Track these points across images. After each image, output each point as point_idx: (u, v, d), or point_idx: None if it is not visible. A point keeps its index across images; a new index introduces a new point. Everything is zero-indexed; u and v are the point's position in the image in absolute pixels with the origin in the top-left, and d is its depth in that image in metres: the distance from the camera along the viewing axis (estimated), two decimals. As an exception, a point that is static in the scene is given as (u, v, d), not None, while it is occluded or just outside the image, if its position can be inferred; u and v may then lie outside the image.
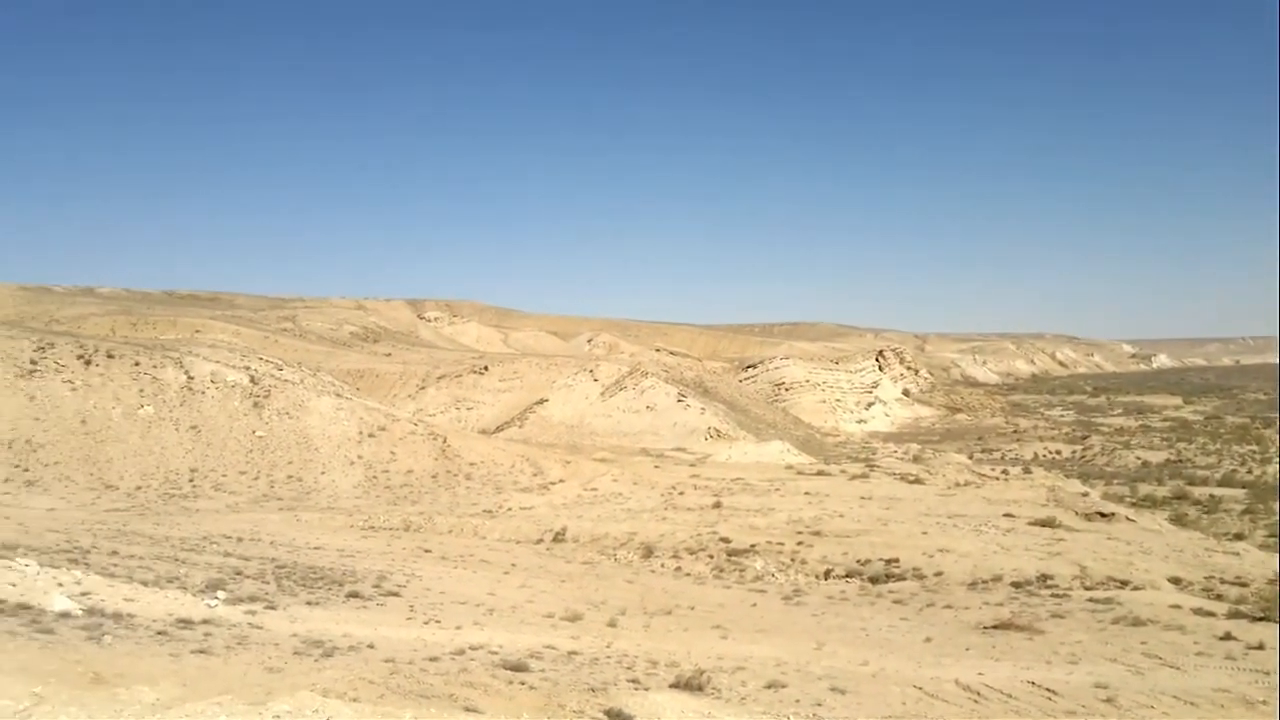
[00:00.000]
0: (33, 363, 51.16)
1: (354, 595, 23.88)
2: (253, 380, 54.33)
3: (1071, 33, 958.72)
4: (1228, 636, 21.63)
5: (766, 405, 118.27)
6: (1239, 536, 45.08)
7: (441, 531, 37.93)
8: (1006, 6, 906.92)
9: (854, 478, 51.74)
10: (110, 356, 53.42)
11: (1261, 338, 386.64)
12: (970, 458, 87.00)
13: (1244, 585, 29.02)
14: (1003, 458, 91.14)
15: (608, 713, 13.37)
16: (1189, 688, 17.52)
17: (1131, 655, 20.26)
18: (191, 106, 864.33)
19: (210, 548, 29.63)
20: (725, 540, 34.89)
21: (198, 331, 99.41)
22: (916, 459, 79.95)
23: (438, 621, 21.81)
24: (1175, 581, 29.60)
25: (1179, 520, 50.50)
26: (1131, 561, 31.36)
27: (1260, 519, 53.50)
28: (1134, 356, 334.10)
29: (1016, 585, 28.99)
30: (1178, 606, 25.08)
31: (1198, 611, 24.41)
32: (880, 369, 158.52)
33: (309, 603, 22.33)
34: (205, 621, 18.27)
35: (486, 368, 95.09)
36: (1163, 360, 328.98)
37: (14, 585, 17.67)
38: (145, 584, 21.13)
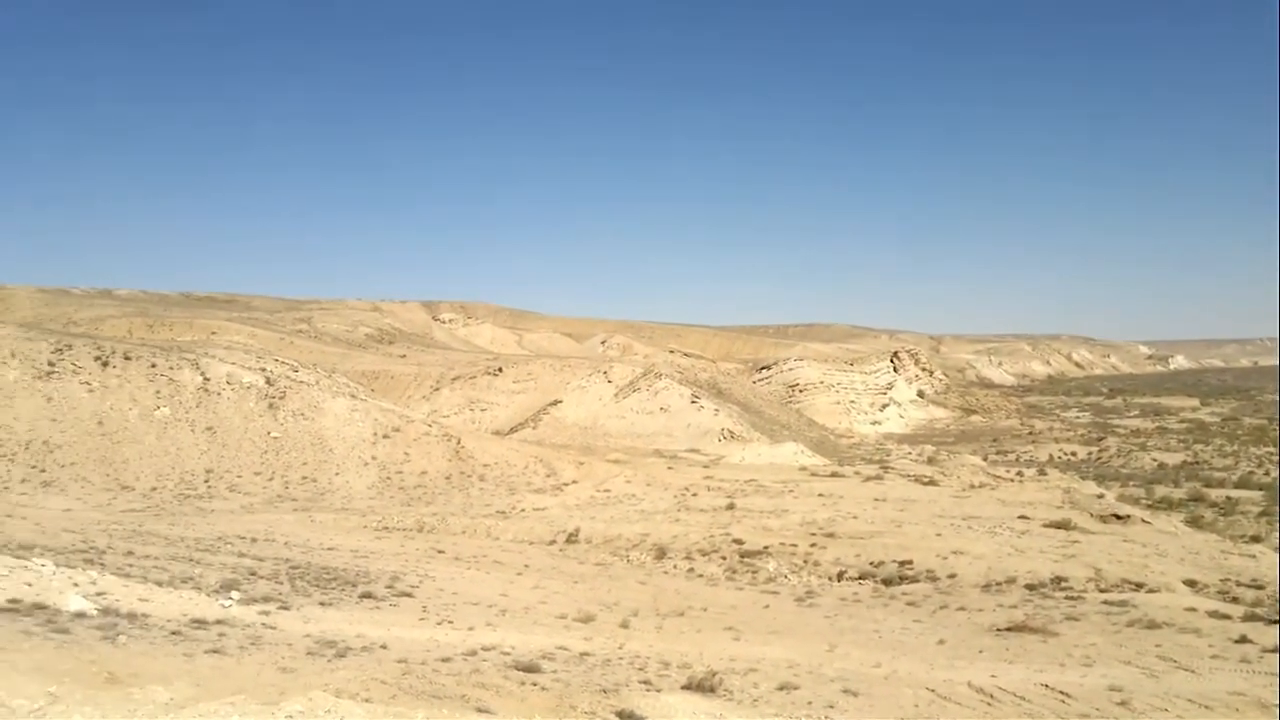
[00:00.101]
0: (50, 364, 51.51)
1: (367, 596, 23.96)
2: (268, 382, 54.57)
3: (1089, 32, 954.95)
4: (1243, 639, 21.49)
5: (780, 407, 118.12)
6: (1255, 539, 44.78)
7: (455, 532, 38.02)
8: (1017, 7, 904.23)
9: (868, 479, 51.59)
10: (127, 358, 53.75)
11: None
12: (985, 459, 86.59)
13: (1260, 588, 28.81)
14: (1018, 459, 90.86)
15: (620, 714, 13.38)
16: (1204, 691, 17.42)
17: (1146, 658, 20.16)
18: (207, 109, 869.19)
19: (225, 548, 29.78)
20: (738, 542, 34.85)
21: (214, 333, 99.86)
22: (931, 461, 79.66)
23: (450, 622, 21.86)
24: (1191, 584, 29.40)
25: (1195, 522, 50.20)
26: (1147, 564, 31.19)
27: (1277, 521, 53.14)
28: (1150, 358, 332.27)
29: (1031, 587, 28.87)
30: (1193, 609, 24.93)
31: (1213, 614, 24.26)
32: (895, 370, 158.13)
33: (322, 603, 22.41)
34: (219, 622, 18.35)
35: (500, 369, 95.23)
36: (1180, 361, 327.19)
37: (30, 585, 17.79)
38: (160, 584, 21.25)
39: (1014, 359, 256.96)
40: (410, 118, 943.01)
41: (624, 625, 23.20)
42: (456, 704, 13.14)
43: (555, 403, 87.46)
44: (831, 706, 15.87)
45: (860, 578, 31.36)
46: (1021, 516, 39.98)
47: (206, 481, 45.60)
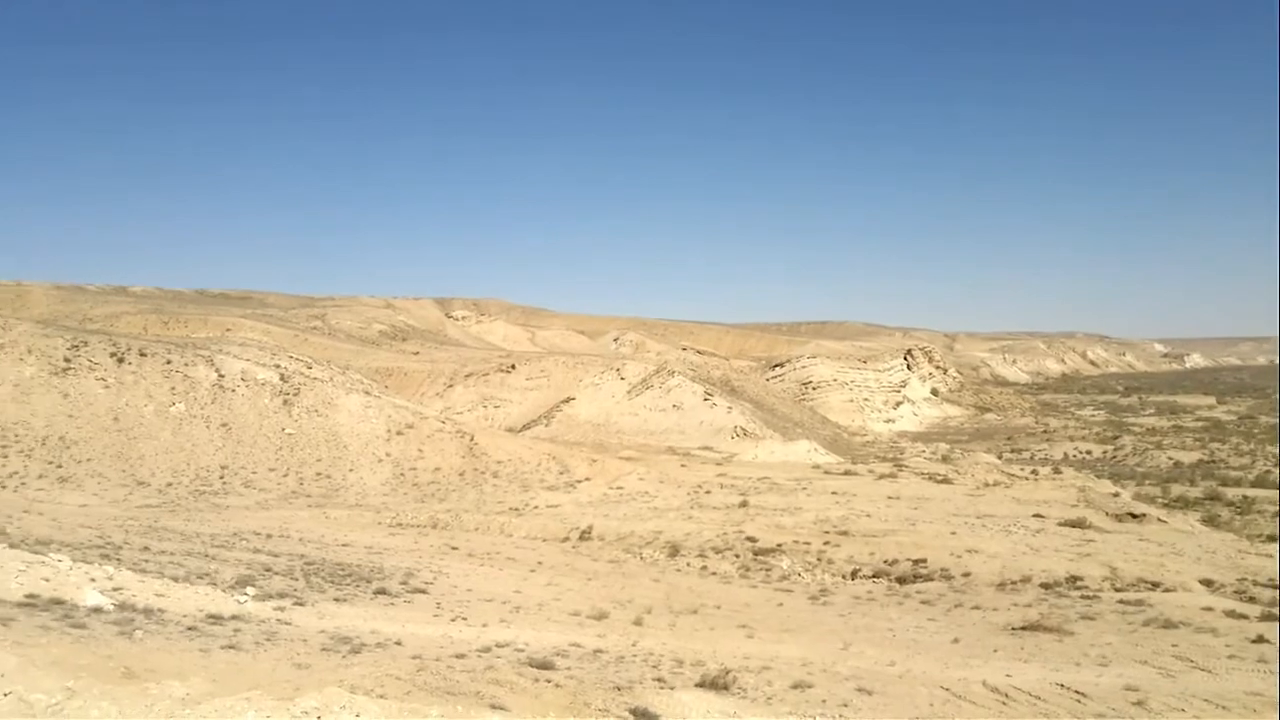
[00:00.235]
0: (67, 361, 51.80)
1: (381, 592, 24.02)
2: (282, 378, 54.75)
3: (1107, 33, 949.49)
4: (1260, 639, 21.32)
5: (793, 404, 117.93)
6: (1272, 538, 44.44)
7: (468, 529, 38.09)
8: (1033, 8, 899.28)
9: (881, 477, 51.47)
10: (142, 355, 54.00)
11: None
12: (999, 457, 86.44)
13: (1277, 588, 28.60)
14: (1032, 458, 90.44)
15: (633, 711, 13.37)
16: (1221, 691, 17.31)
17: (1162, 658, 20.03)
18: (222, 108, 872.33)
19: (240, 544, 29.90)
20: (752, 539, 34.81)
21: (228, 330, 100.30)
22: (945, 459, 79.50)
23: (464, 619, 21.90)
24: (1207, 584, 29.19)
25: (1211, 522, 49.90)
26: (1163, 563, 31.00)
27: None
28: (1166, 356, 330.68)
29: (1046, 586, 28.72)
30: (1210, 609, 24.76)
31: (1230, 614, 24.08)
32: (908, 368, 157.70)
33: (337, 599, 22.48)
34: (235, 617, 18.43)
35: (514, 366, 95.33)
36: (1195, 360, 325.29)
37: (47, 580, 17.89)
38: (176, 580, 21.34)
39: (1028, 357, 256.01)
40: (425, 115, 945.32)
41: (637, 622, 23.20)
42: (471, 700, 13.15)
43: (568, 400, 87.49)
44: (846, 705, 15.83)
45: (874, 576, 31.27)
46: (1036, 515, 39.80)
47: (221, 478, 45.79)
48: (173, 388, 51.93)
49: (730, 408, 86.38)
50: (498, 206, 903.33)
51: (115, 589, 18.72)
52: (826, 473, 55.26)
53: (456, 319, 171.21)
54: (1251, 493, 63.65)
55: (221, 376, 53.60)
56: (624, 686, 15.43)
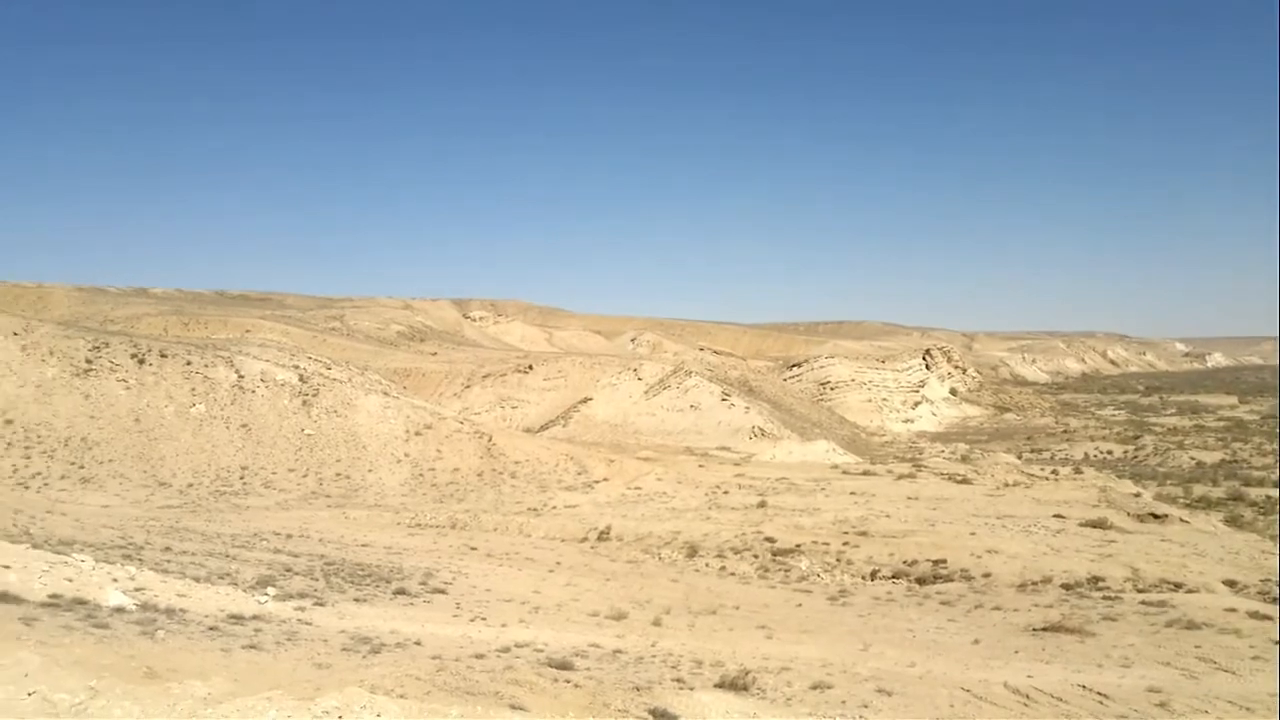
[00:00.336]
0: (88, 362, 52.18)
1: (401, 592, 24.09)
2: (302, 379, 54.99)
3: (1121, 34, 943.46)
4: (1285, 640, 21.13)
5: (811, 404, 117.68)
6: (1296, 539, 44.05)
7: (487, 529, 38.15)
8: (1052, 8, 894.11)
9: (900, 477, 51.26)
10: (163, 356, 54.34)
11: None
12: (1019, 457, 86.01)
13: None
14: (1052, 458, 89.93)
15: (652, 712, 13.35)
16: (1244, 693, 17.16)
17: (1185, 659, 19.87)
18: (242, 109, 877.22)
19: (260, 545, 30.04)
20: (770, 540, 34.72)
21: (248, 331, 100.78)
22: (964, 459, 79.14)
23: (483, 619, 21.94)
24: (1230, 584, 28.93)
25: (1234, 522, 49.47)
26: (1185, 564, 30.75)
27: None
28: (1187, 355, 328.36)
29: (1067, 587, 28.53)
30: (1233, 610, 24.54)
31: (1253, 615, 23.86)
32: (927, 368, 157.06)
33: (357, 599, 22.56)
34: (256, 617, 18.52)
35: (531, 367, 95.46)
36: (1217, 359, 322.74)
37: (70, 580, 18.02)
38: (197, 580, 21.46)
39: (1048, 356, 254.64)
40: (444, 117, 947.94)
41: (656, 623, 23.18)
42: (490, 701, 13.16)
43: (586, 400, 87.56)
44: (866, 706, 15.77)
45: (894, 577, 31.14)
46: (1057, 515, 39.56)
47: (242, 478, 46.02)
48: (193, 389, 52.23)
49: (748, 408, 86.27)
50: (516, 208, 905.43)
51: (137, 589, 18.84)
52: (845, 473, 55.08)
53: (474, 320, 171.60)
54: (1275, 493, 63.05)
55: (241, 377, 53.88)
56: (643, 687, 15.42)
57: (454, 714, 11.80)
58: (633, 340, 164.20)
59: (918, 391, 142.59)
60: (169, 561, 24.11)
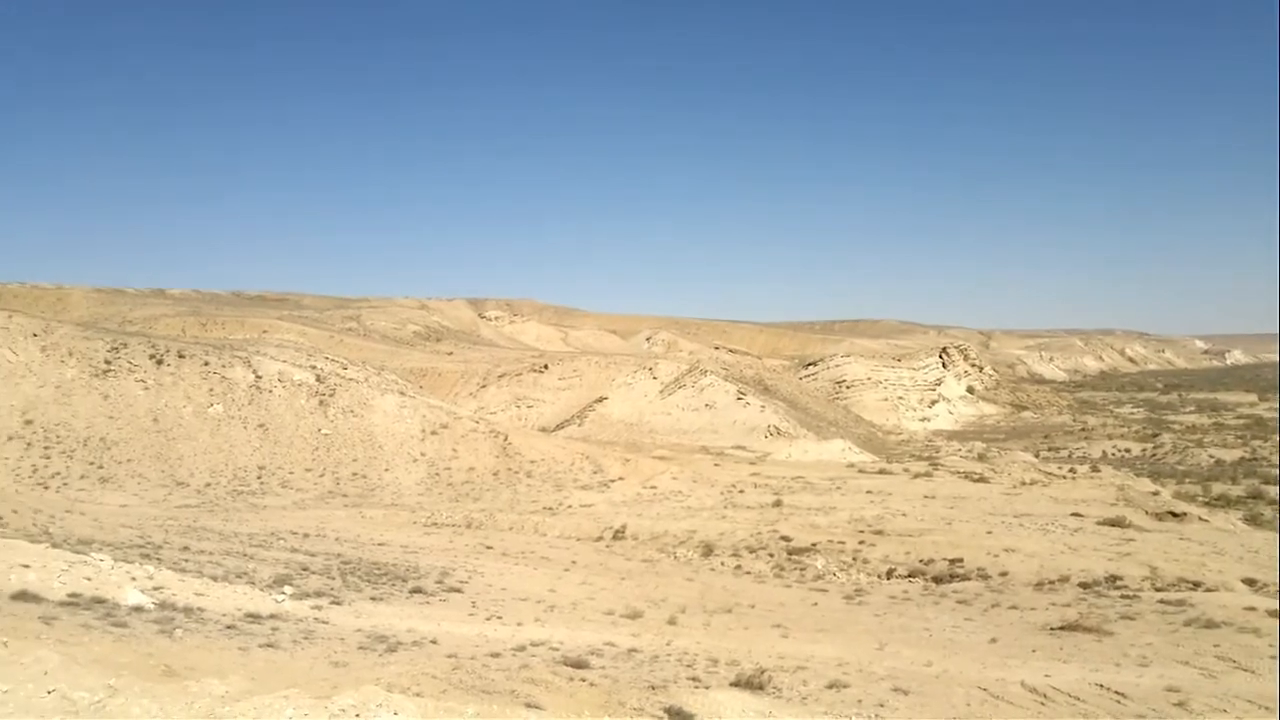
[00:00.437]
0: (107, 363, 52.53)
1: (417, 591, 24.15)
2: (318, 379, 55.21)
3: (1127, 33, 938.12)
4: (1305, 639, 20.96)
5: (827, 403, 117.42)
6: (1317, 537, 43.70)
7: (503, 528, 38.22)
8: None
9: (917, 476, 51.10)
10: (181, 356, 54.66)
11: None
12: (1037, 456, 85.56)
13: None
14: (1070, 456, 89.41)
15: (668, 710, 13.35)
16: (1263, 692, 17.02)
17: (1204, 658, 19.73)
18: (258, 110, 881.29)
19: (277, 544, 30.18)
20: (786, 539, 34.66)
21: (265, 331, 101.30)
22: (981, 457, 78.75)
23: (499, 618, 21.98)
24: (1250, 583, 28.72)
25: (1254, 520, 49.07)
26: (1204, 562, 30.53)
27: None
28: (1207, 352, 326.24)
29: (1084, 586, 28.38)
30: (1252, 609, 24.35)
31: (1272, 614, 23.65)
32: (944, 366, 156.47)
33: (373, 598, 22.64)
34: (273, 616, 18.60)
35: (546, 366, 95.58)
36: (1237, 356, 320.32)
37: (89, 579, 18.14)
38: (215, 579, 21.57)
39: (1065, 354, 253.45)
40: (459, 118, 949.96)
41: (671, 622, 23.17)
42: (506, 699, 13.18)
43: (601, 399, 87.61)
44: (882, 705, 15.72)
45: (910, 575, 31.04)
46: (1074, 514, 39.36)
47: (259, 478, 46.24)
48: (211, 389, 52.52)
49: (763, 407, 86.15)
50: (531, 208, 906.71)
51: (156, 588, 18.96)
52: (861, 472, 54.95)
53: (490, 319, 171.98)
54: (1295, 491, 62.61)
55: (258, 378, 54.14)
56: (659, 686, 15.42)
57: (470, 712, 11.82)
58: (648, 339, 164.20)
59: (934, 390, 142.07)
60: (187, 560, 24.24)
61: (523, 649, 18.19)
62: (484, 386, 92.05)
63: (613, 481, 48.50)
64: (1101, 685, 17.40)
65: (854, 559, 32.57)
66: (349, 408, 53.44)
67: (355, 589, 23.49)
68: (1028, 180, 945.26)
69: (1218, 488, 66.28)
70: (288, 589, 21.64)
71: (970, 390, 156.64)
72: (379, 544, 32.63)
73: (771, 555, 33.42)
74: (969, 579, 29.93)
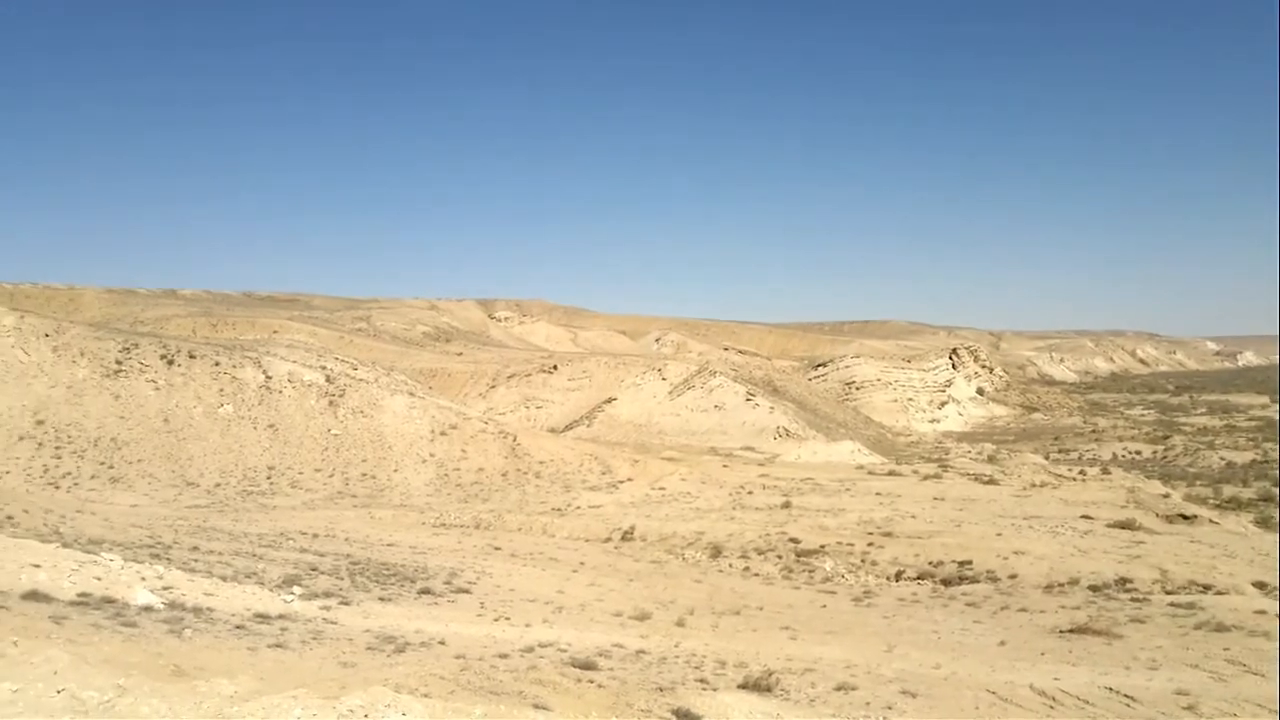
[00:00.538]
0: (118, 363, 52.74)
1: (426, 592, 24.19)
2: (328, 379, 55.34)
3: (1127, 34, 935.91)
4: (1317, 644, 20.86)
5: (836, 404, 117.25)
6: (1329, 540, 43.47)
7: (511, 529, 38.25)
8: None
9: (926, 478, 51.02)
10: (192, 357, 54.84)
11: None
12: (1046, 458, 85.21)
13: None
14: (1080, 458, 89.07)
15: (675, 712, 13.34)
16: (1273, 696, 16.94)
17: (1214, 662, 19.66)
18: (267, 111, 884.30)
19: (287, 544, 30.26)
20: (794, 540, 34.63)
21: (275, 332, 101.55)
22: (991, 459, 78.51)
23: (507, 618, 22.00)
24: (1260, 586, 28.59)
25: (1265, 523, 48.81)
26: (1214, 565, 30.41)
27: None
28: (1218, 354, 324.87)
29: (1094, 588, 28.30)
30: (1262, 612, 24.26)
31: (1284, 617, 23.61)
32: (954, 367, 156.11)
33: (382, 599, 22.68)
34: (282, 616, 18.66)
35: (555, 367, 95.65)
36: (1248, 357, 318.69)
37: (99, 579, 18.22)
38: (224, 579, 21.64)
39: (1076, 355, 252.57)
40: (471, 118, 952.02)
41: (680, 623, 23.17)
42: (514, 700, 13.20)
43: (610, 400, 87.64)
44: (890, 707, 15.70)
45: (919, 578, 30.98)
46: (1084, 516, 39.24)
47: (269, 478, 46.37)
48: (221, 389, 52.68)
49: (773, 408, 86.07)
50: (541, 208, 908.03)
51: (165, 588, 19.03)
52: (870, 473, 54.87)
53: (499, 320, 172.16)
54: (1307, 494, 62.27)
55: (269, 378, 54.30)
56: (666, 687, 15.42)
57: (478, 713, 11.83)
58: (657, 340, 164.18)
59: (944, 391, 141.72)
60: (196, 561, 24.33)
61: (531, 650, 18.21)
62: (493, 387, 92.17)
63: (621, 483, 48.51)
64: (1111, 688, 17.36)
65: (863, 561, 32.52)
66: (358, 408, 53.56)
67: (364, 589, 23.54)
68: (1038, 180, 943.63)
69: (1229, 490, 65.93)
70: (296, 589, 21.70)
71: (980, 392, 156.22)
72: (388, 544, 32.69)
73: (780, 557, 33.40)
74: (978, 581, 29.87)
